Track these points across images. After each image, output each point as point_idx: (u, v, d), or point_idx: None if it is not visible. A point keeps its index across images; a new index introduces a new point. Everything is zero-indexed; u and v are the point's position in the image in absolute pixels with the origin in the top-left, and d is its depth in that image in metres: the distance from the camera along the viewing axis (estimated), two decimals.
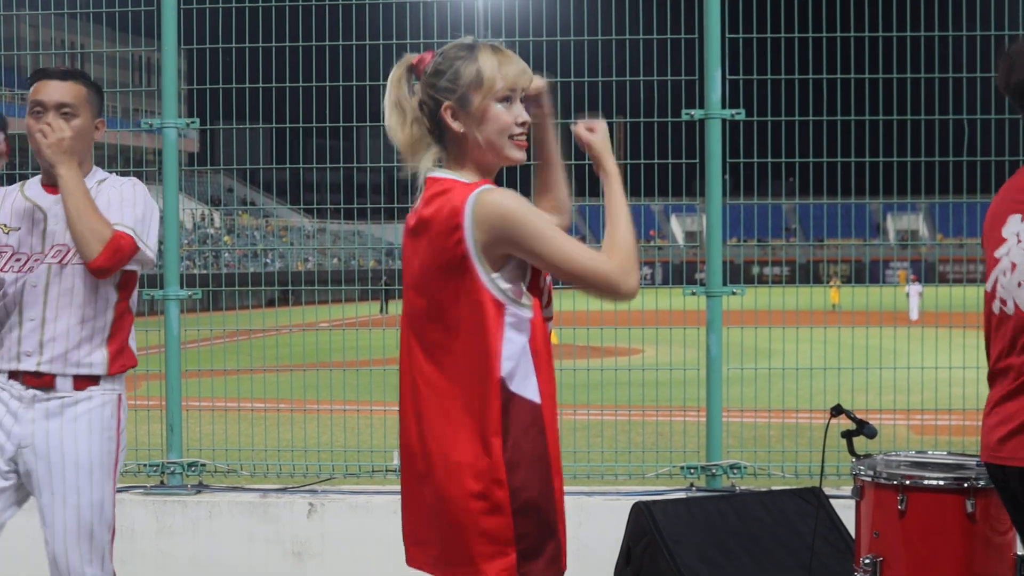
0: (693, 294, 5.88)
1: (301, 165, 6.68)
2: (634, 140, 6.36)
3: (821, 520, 4.74)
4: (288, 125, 6.41)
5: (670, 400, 8.36)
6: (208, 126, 6.53)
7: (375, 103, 6.19)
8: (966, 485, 3.80)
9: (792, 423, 7.09)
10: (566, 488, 5.76)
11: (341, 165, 6.47)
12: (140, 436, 6.44)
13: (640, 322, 7.03)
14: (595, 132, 2.80)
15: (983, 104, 5.98)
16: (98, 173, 3.69)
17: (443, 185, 2.62)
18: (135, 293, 3.70)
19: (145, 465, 6.12)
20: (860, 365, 6.79)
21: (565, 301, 6.80)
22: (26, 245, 3.56)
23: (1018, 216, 3.06)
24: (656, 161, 6.21)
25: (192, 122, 6.13)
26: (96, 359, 3.55)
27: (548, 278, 2.70)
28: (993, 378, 3.13)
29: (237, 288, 7.08)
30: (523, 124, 2.67)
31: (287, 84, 6.23)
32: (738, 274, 6.79)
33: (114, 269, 3.48)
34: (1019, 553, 3.86)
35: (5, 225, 3.60)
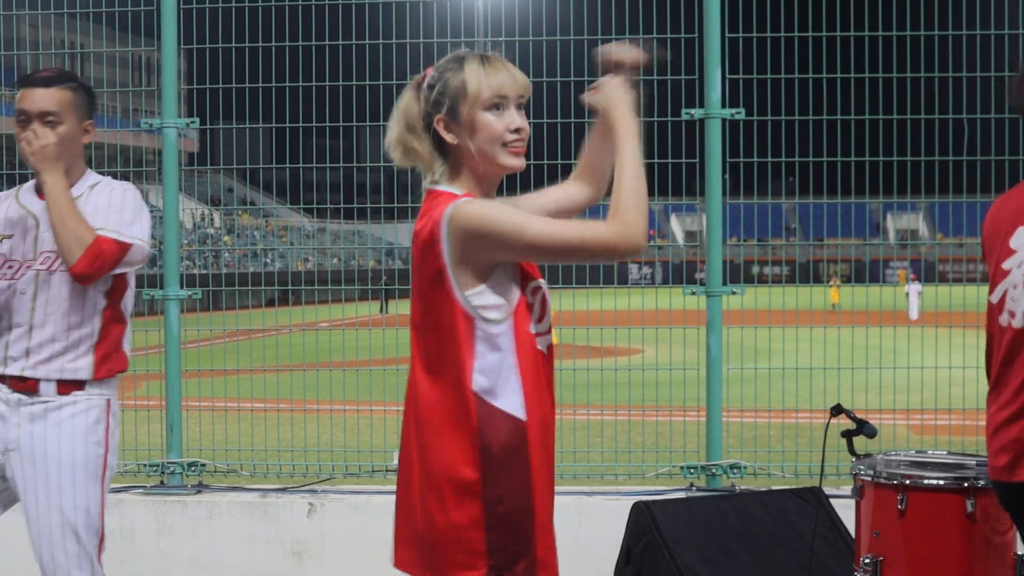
0: (693, 294, 5.87)
1: (301, 165, 6.67)
2: None
3: (821, 520, 4.74)
4: (288, 125, 6.41)
5: (670, 400, 8.37)
6: (208, 126, 6.53)
7: (375, 103, 6.19)
8: (966, 485, 3.80)
9: (792, 423, 7.09)
10: (567, 488, 5.80)
11: (341, 165, 6.47)
12: (140, 436, 6.44)
13: (640, 322, 7.03)
14: (597, 91, 2.83)
15: (983, 104, 5.98)
16: (91, 177, 3.68)
17: (435, 198, 2.64)
18: (127, 297, 3.69)
19: (145, 465, 6.11)
20: (860, 365, 6.79)
21: (565, 301, 6.81)
22: (18, 252, 3.57)
23: None
24: (656, 160, 6.20)
25: (192, 122, 6.13)
26: (81, 364, 3.55)
27: (542, 293, 2.67)
28: (995, 392, 3.09)
29: (237, 288, 7.09)
30: (517, 131, 2.66)
31: (287, 84, 6.22)
32: (738, 274, 6.80)
33: (98, 275, 3.48)
34: (1019, 553, 3.86)
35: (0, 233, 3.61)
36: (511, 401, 2.59)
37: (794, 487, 5.26)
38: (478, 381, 2.58)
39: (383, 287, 9.21)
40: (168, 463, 6.03)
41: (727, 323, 5.92)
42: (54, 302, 3.52)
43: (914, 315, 16.65)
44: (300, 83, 6.17)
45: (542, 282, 2.69)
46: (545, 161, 5.75)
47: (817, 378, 6.13)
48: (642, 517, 4.78)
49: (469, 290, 2.57)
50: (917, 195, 6.34)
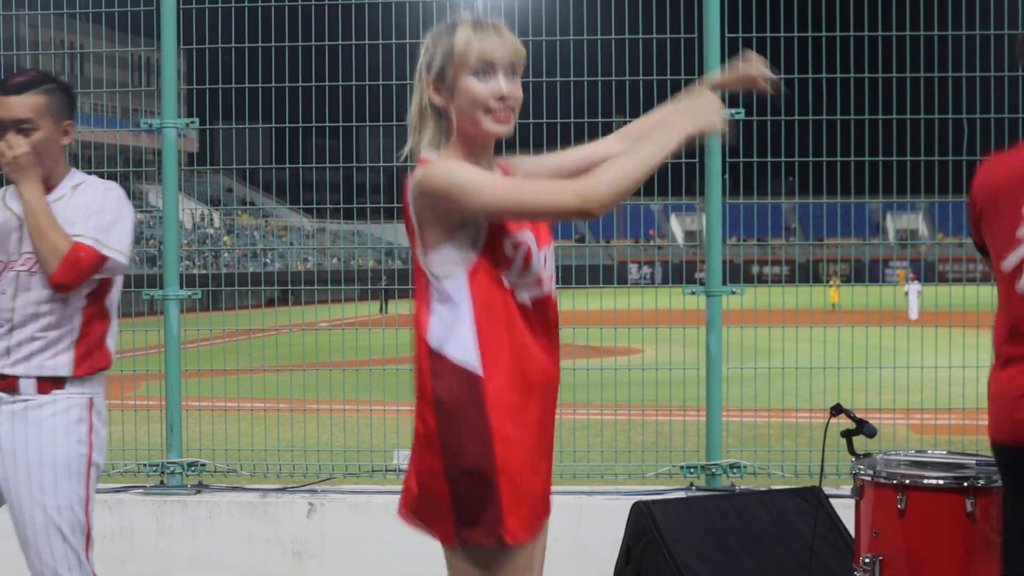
0: (693, 293, 5.88)
1: (301, 165, 6.67)
2: None
3: (821, 519, 4.74)
4: (288, 125, 6.41)
5: (670, 400, 8.36)
6: (208, 126, 6.53)
7: (375, 103, 6.19)
8: (966, 484, 3.80)
9: (792, 422, 7.09)
10: (567, 488, 5.80)
11: (341, 165, 6.47)
12: (140, 436, 6.45)
13: (640, 322, 7.03)
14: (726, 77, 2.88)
15: (983, 103, 5.98)
16: (75, 177, 3.68)
17: (421, 163, 2.69)
18: (113, 295, 3.68)
19: (145, 465, 6.12)
20: (860, 364, 6.79)
21: (565, 301, 6.80)
22: (2, 253, 3.58)
23: None
24: None
25: (192, 122, 6.13)
26: (60, 361, 3.55)
27: (526, 248, 2.67)
28: (1014, 357, 3.07)
29: (237, 288, 7.09)
30: (503, 98, 2.66)
31: (287, 84, 6.22)
32: (738, 273, 6.79)
33: (76, 283, 3.48)
34: None
35: None
36: (462, 354, 2.62)
37: (794, 487, 5.26)
38: (432, 334, 2.65)
39: (383, 287, 9.21)
40: (168, 463, 6.03)
41: (727, 323, 5.93)
42: (34, 301, 3.52)
43: (914, 315, 16.66)
44: (300, 83, 6.17)
45: (528, 236, 2.68)
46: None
47: (817, 378, 6.13)
48: (642, 517, 4.79)
49: (432, 248, 2.63)
50: (917, 195, 6.35)
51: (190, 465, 6.08)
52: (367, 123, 6.48)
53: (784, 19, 5.90)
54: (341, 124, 6.27)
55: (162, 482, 6.05)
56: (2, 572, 5.58)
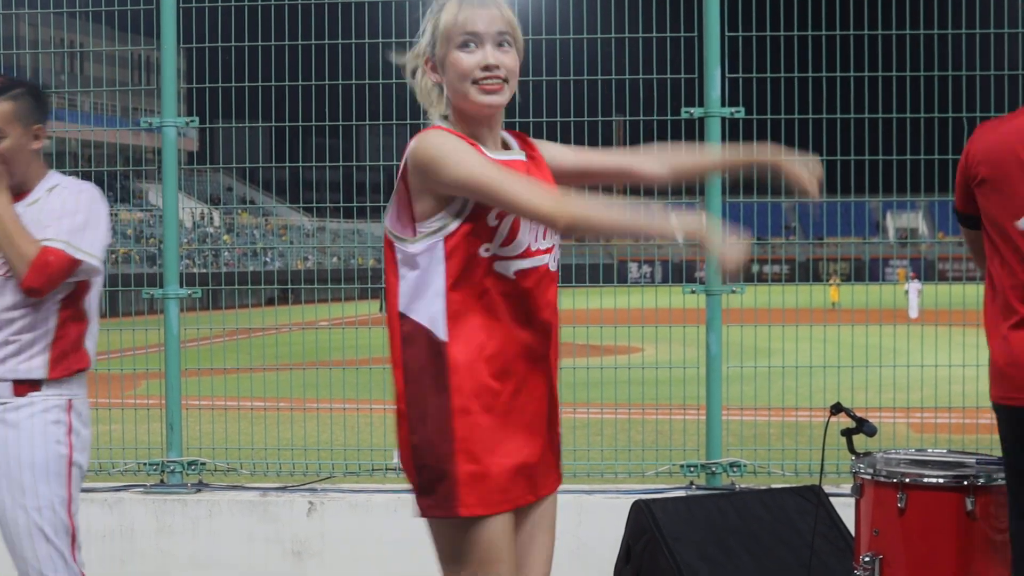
0: (693, 292, 5.88)
1: (301, 164, 6.67)
2: (634, 138, 6.35)
3: (821, 518, 4.74)
4: (288, 124, 6.41)
5: (670, 398, 8.36)
6: (207, 125, 6.53)
7: (375, 102, 6.19)
8: (966, 483, 3.80)
9: (792, 421, 7.09)
10: (567, 487, 5.79)
11: (341, 164, 6.47)
12: (140, 435, 6.45)
13: (640, 320, 7.03)
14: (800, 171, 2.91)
15: (982, 102, 5.98)
16: (51, 179, 3.67)
17: (422, 131, 2.70)
18: (91, 296, 3.68)
19: (145, 464, 6.12)
20: (860, 363, 6.80)
21: (565, 300, 6.80)
22: None
23: None
24: None
25: (191, 121, 6.13)
26: (35, 364, 3.56)
27: (512, 218, 2.65)
28: None
29: (237, 287, 7.08)
30: (488, 68, 2.64)
31: (287, 83, 6.22)
32: (737, 272, 6.78)
33: (46, 286, 3.48)
34: None
35: None
36: (429, 319, 2.64)
37: (794, 485, 5.26)
38: (400, 299, 2.70)
39: (383, 286, 9.19)
40: (168, 462, 6.03)
41: (727, 322, 5.93)
42: (7, 306, 3.53)
43: (914, 313, 16.65)
44: (300, 82, 6.17)
45: None
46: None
47: (817, 376, 6.13)
48: (642, 515, 4.79)
49: (421, 217, 2.64)
50: (917, 194, 6.35)
51: (190, 464, 6.08)
52: (367, 122, 6.48)
53: (784, 18, 5.90)
54: (341, 123, 6.27)
55: (162, 481, 6.05)
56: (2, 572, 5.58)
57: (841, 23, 6.07)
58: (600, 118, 6.15)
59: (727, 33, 5.81)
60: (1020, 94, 5.80)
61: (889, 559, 3.86)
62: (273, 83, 6.25)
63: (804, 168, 2.95)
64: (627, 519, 4.88)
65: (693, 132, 5.83)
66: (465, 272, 2.62)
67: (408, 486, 2.75)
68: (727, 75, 5.84)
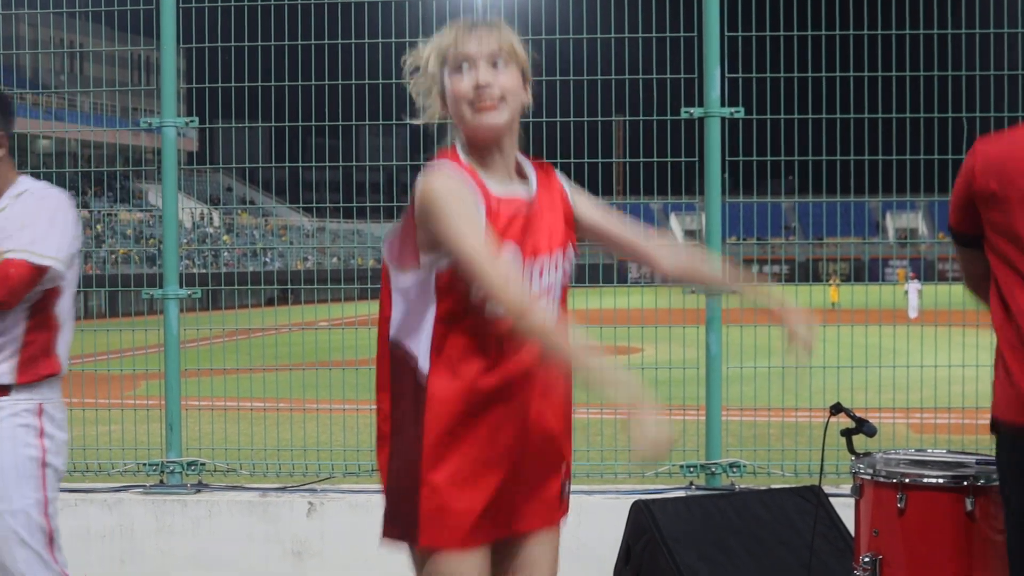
0: (693, 292, 5.87)
1: (300, 164, 6.67)
2: (633, 138, 6.37)
3: (820, 518, 4.74)
4: (287, 124, 6.41)
5: (669, 399, 8.32)
6: (207, 125, 6.53)
7: (375, 102, 6.19)
8: (965, 484, 3.79)
9: (791, 422, 7.08)
10: None
11: (340, 164, 6.47)
12: (140, 435, 6.45)
13: (640, 320, 7.03)
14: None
15: (982, 102, 5.98)
16: (20, 184, 3.67)
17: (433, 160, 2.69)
18: (62, 302, 3.67)
19: (145, 464, 6.12)
20: (859, 363, 6.78)
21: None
22: None
23: None
24: (655, 159, 6.21)
25: (191, 121, 6.13)
26: (3, 369, 3.56)
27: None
28: None
29: (236, 287, 7.09)
30: (480, 87, 2.60)
31: (286, 83, 6.22)
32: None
33: (12, 299, 3.47)
34: None
35: None
36: (414, 347, 2.62)
37: (794, 486, 5.26)
38: (392, 327, 2.67)
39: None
40: (168, 462, 6.03)
41: (727, 322, 5.92)
42: None
43: (913, 314, 16.65)
44: (300, 83, 6.17)
45: (513, 248, 2.61)
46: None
47: (816, 377, 6.12)
48: (642, 516, 4.79)
49: (423, 249, 2.59)
50: (916, 194, 6.35)
51: (190, 464, 6.07)
52: (367, 123, 6.48)
53: (784, 18, 5.90)
54: (341, 124, 6.27)
55: (162, 481, 6.05)
56: None
57: (841, 23, 6.07)
58: (600, 118, 6.15)
59: (727, 33, 5.81)
60: (1020, 94, 5.80)
61: (889, 559, 3.86)
62: (273, 83, 6.25)
63: (801, 329, 2.93)
64: (627, 519, 4.88)
65: (693, 132, 5.83)
66: (455, 309, 2.59)
67: None
68: (727, 75, 5.84)
